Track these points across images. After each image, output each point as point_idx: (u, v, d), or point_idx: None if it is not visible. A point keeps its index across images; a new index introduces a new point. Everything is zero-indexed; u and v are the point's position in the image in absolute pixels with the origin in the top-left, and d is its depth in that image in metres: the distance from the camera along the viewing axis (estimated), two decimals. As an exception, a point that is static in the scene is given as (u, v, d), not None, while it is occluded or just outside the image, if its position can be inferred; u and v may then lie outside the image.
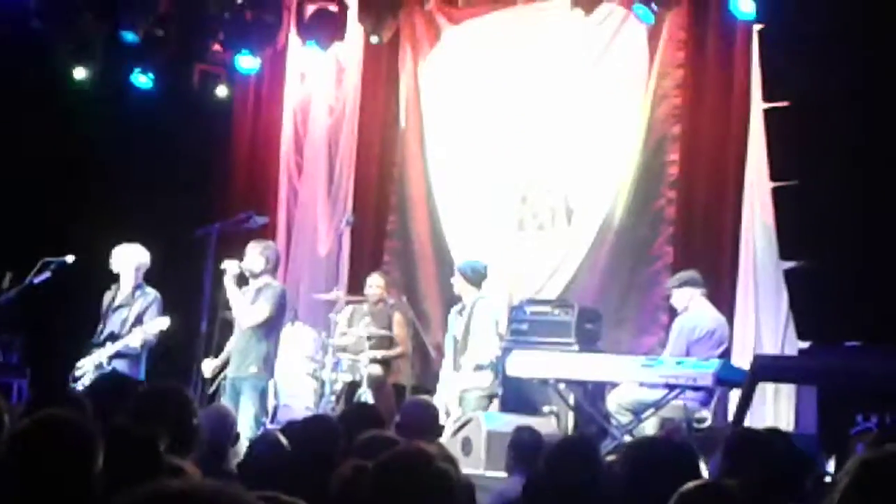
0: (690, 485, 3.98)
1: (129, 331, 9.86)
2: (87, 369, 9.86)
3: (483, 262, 11.00)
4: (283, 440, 5.41)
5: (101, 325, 10.09)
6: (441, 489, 3.16)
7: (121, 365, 9.79)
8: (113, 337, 9.92)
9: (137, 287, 10.11)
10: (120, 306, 10.08)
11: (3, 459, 3.51)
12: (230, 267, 9.93)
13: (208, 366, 10.21)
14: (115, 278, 10.24)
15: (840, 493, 2.11)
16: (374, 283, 11.66)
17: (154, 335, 9.88)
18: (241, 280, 10.03)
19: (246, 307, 9.90)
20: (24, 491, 3.41)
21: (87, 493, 3.45)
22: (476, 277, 10.79)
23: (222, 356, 10.28)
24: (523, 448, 6.29)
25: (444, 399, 10.40)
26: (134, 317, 9.95)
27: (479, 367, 10.46)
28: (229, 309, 10.19)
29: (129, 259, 10.15)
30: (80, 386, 9.65)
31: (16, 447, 3.51)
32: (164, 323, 9.86)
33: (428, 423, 6.72)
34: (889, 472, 2.09)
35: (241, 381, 9.83)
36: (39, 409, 4.02)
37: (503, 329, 10.81)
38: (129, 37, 12.50)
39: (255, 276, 10.01)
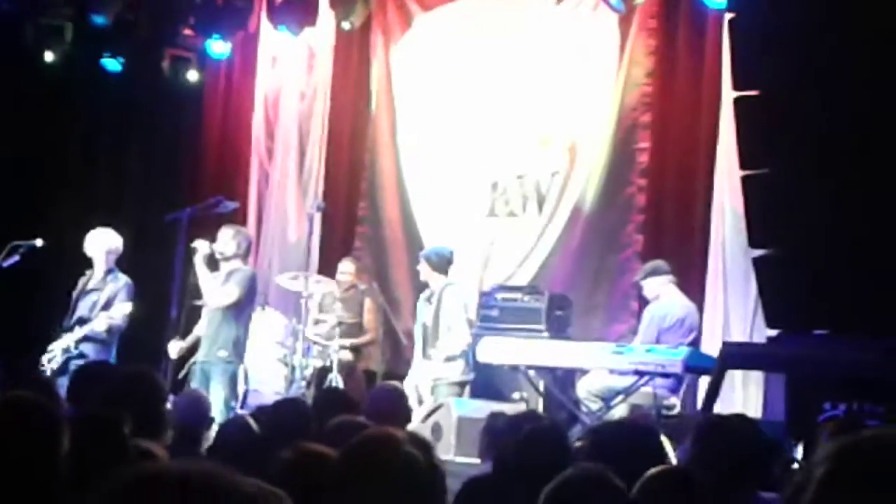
0: (655, 469, 4.00)
1: (98, 315, 9.85)
2: (55, 353, 9.85)
3: (448, 248, 10.99)
4: (253, 424, 5.41)
5: (71, 309, 10.08)
6: (409, 474, 3.17)
7: (89, 349, 9.78)
8: (81, 321, 9.91)
9: (109, 272, 10.11)
10: (91, 290, 10.08)
11: None
12: (201, 247, 9.94)
13: (174, 347, 10.19)
14: (86, 262, 10.23)
15: (817, 484, 2.11)
16: (345, 270, 11.65)
17: (122, 320, 9.86)
18: (212, 263, 10.03)
19: (215, 287, 9.91)
20: None
21: (52, 477, 3.44)
22: (441, 263, 10.77)
23: (189, 339, 10.27)
24: (497, 434, 6.28)
25: (416, 386, 10.40)
26: (103, 301, 9.94)
27: (449, 359, 10.45)
28: (199, 296, 10.19)
29: (100, 244, 10.14)
30: (48, 370, 9.64)
31: None
32: (127, 308, 9.85)
33: (397, 408, 6.72)
34: (865, 457, 2.10)
35: (211, 365, 9.83)
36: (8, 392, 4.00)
37: (473, 314, 10.82)
38: (100, 20, 12.45)
39: (226, 259, 10.02)
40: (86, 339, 9.84)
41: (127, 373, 5.35)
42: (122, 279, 10.11)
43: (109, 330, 9.85)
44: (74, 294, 10.14)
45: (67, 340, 9.86)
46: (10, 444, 3.43)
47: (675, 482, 4.01)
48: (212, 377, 9.79)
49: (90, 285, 10.11)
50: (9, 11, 12.42)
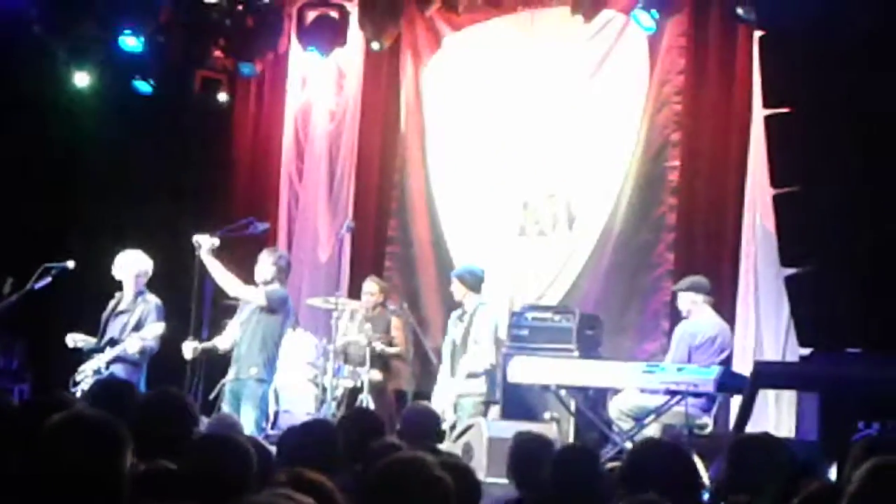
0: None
1: (129, 336, 9.86)
2: (86, 374, 9.87)
3: (480, 266, 10.98)
4: (268, 446, 5.42)
5: (101, 331, 10.09)
6: (437, 496, 3.16)
7: (120, 370, 9.78)
8: (112, 343, 9.93)
9: (139, 294, 10.11)
10: (121, 312, 10.09)
11: (30, 457, 3.49)
12: (203, 241, 9.90)
13: (188, 347, 10.07)
14: (118, 284, 10.24)
15: (850, 498, 2.09)
16: (368, 290, 11.62)
17: (154, 341, 9.86)
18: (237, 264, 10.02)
19: (231, 278, 9.87)
20: (55, 489, 3.38)
21: (118, 493, 3.42)
22: (475, 282, 10.77)
23: (206, 344, 10.15)
24: (520, 456, 6.24)
25: (440, 404, 10.35)
26: (134, 323, 9.95)
27: (472, 375, 10.43)
28: (229, 316, 10.19)
29: (129, 266, 10.15)
30: (79, 391, 9.64)
31: (45, 444, 3.48)
32: (159, 328, 9.85)
33: (429, 429, 6.71)
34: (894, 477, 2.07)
35: (242, 385, 9.82)
36: (37, 413, 4.00)
37: (503, 334, 10.80)
38: (131, 43, 12.50)
39: (267, 284, 9.99)
40: (117, 360, 9.85)
41: (158, 395, 5.36)
42: (152, 300, 10.11)
43: (143, 351, 9.86)
44: (105, 316, 10.15)
45: (98, 361, 9.87)
46: (75, 461, 3.42)
47: None
48: (242, 397, 9.79)
49: (120, 307, 10.12)
50: (41, 34, 12.48)
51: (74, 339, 10.10)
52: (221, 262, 10.00)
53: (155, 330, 9.86)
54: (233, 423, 6.75)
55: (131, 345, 9.79)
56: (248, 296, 9.91)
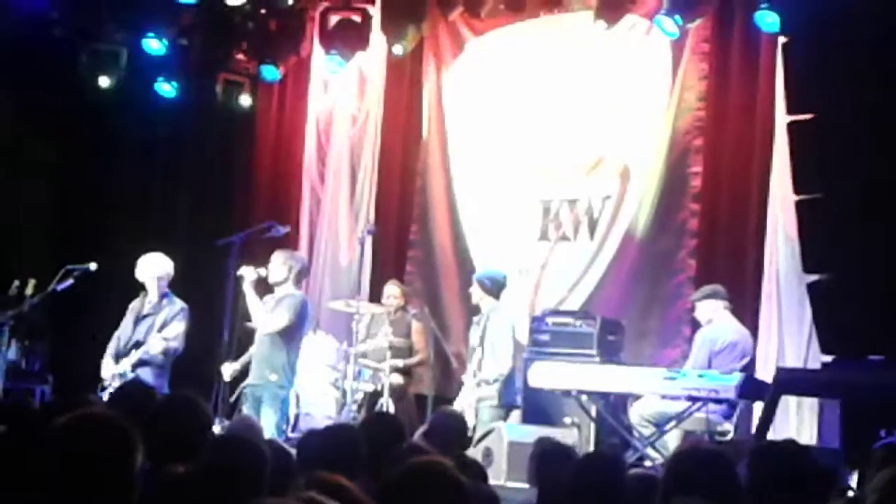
0: None
1: (153, 337, 9.86)
2: (113, 378, 9.87)
3: (502, 272, 10.96)
4: (289, 448, 5.42)
5: (129, 334, 10.05)
6: (456, 500, 3.16)
7: (147, 374, 9.76)
8: (137, 345, 9.93)
9: (164, 296, 10.10)
10: (147, 315, 10.08)
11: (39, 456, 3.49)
12: (247, 274, 9.97)
13: (227, 369, 10.21)
14: (141, 286, 10.25)
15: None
16: (391, 294, 11.65)
17: (177, 341, 9.84)
18: (265, 287, 10.05)
19: (265, 314, 9.92)
20: (64, 487, 3.39)
21: (127, 492, 3.43)
22: (494, 287, 10.74)
23: (242, 359, 10.28)
24: (543, 460, 6.24)
25: (463, 408, 10.35)
26: (158, 325, 9.94)
27: (484, 382, 10.40)
28: (251, 319, 10.21)
29: (150, 269, 10.14)
30: (106, 395, 9.64)
31: (56, 443, 3.48)
32: (180, 328, 9.85)
33: (456, 433, 6.71)
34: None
35: (262, 389, 9.85)
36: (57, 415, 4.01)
37: (522, 337, 10.78)
38: (154, 46, 12.55)
39: (278, 285, 10.03)
40: (142, 363, 9.85)
41: (170, 398, 5.38)
42: (178, 303, 10.10)
43: (165, 352, 9.85)
44: (131, 318, 10.12)
45: (124, 365, 9.87)
46: (85, 461, 3.42)
47: None
48: (262, 401, 9.81)
49: (146, 310, 10.11)
50: (64, 37, 12.53)
51: (112, 374, 10.02)
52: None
53: (176, 329, 9.85)
54: (252, 424, 6.75)
55: (153, 346, 9.79)
56: (276, 326, 9.91)
